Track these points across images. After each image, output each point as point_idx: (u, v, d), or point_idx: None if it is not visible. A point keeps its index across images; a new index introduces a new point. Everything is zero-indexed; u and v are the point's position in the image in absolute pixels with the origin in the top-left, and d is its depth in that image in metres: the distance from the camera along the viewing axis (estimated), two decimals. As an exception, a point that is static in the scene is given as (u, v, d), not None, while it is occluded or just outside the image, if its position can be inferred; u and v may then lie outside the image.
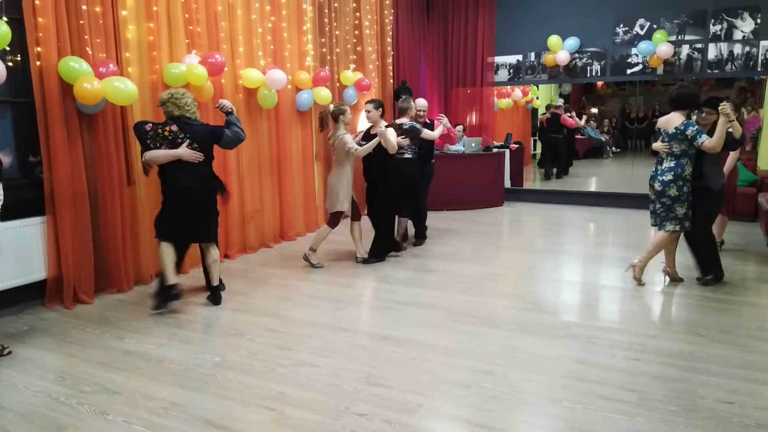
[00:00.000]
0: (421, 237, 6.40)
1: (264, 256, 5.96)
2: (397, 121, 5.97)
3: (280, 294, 4.72)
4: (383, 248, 5.69)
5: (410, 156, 5.79)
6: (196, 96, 5.18)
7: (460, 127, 8.71)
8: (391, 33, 8.31)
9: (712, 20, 7.67)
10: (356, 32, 7.65)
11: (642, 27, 8.04)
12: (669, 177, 4.48)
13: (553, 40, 8.41)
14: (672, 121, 4.45)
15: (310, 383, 3.16)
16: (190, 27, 5.22)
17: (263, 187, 6.21)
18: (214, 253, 4.43)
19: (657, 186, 4.56)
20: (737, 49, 7.60)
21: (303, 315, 4.20)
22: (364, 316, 4.27)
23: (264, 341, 3.74)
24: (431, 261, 5.70)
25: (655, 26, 7.95)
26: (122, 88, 4.43)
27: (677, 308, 4.38)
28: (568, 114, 10.04)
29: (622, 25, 8.15)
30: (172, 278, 4.27)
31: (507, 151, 9.22)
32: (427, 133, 6.00)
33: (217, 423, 2.78)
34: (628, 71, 8.25)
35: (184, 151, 4.13)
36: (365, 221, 5.75)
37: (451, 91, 9.54)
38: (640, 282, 4.77)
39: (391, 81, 8.44)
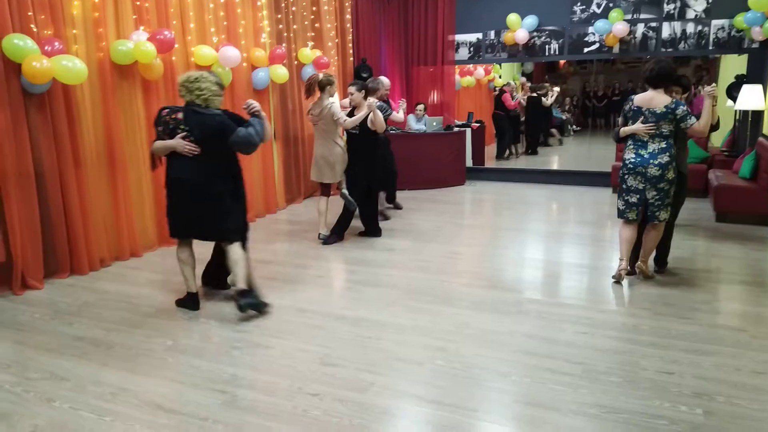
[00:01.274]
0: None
1: (221, 238, 5.88)
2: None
3: (236, 276, 4.67)
4: (369, 226, 5.79)
5: (381, 136, 5.89)
6: (146, 74, 5.06)
7: (421, 106, 8.70)
8: (350, 10, 8.19)
9: (666, -1, 7.78)
10: (314, 8, 7.51)
11: (599, 6, 8.11)
12: (666, 158, 4.06)
13: (512, 18, 8.42)
14: (656, 99, 4.07)
15: (264, 365, 3.16)
16: (138, 2, 5.04)
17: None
18: (233, 253, 3.84)
19: (654, 171, 4.07)
20: (690, 27, 7.74)
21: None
22: (321, 296, 4.27)
23: (218, 324, 3.71)
24: (390, 240, 5.72)
25: (611, 5, 8.02)
26: (71, 67, 4.28)
27: (626, 283, 4.50)
28: (518, 94, 10.10)
29: (579, 4, 8.21)
30: (192, 286, 3.97)
31: (468, 130, 9.25)
32: (394, 115, 6.29)
33: (167, 407, 2.76)
34: (585, 50, 8.33)
35: (177, 143, 3.68)
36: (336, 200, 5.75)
37: (412, 69, 9.49)
38: (622, 278, 4.36)
39: (351, 59, 8.34)
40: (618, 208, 4.37)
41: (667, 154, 4.07)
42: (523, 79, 11.47)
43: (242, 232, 4.01)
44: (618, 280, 4.34)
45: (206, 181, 3.77)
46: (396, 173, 6.82)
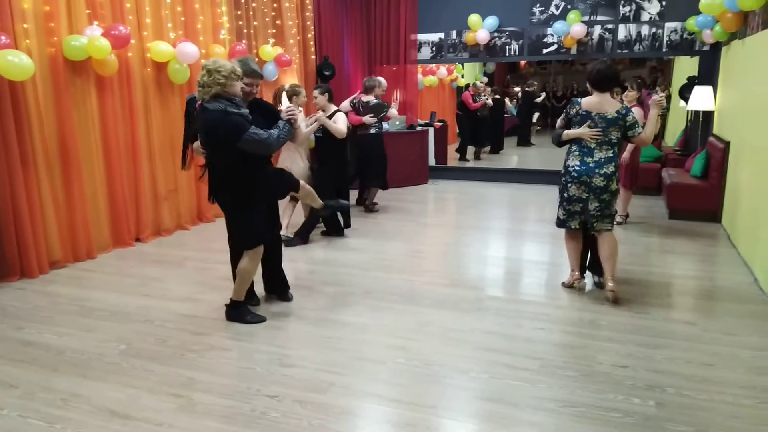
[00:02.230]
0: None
1: (180, 239, 5.76)
2: (363, 99, 6.55)
3: (195, 278, 4.59)
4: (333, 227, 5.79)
5: (374, 132, 6.51)
6: (100, 71, 4.92)
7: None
8: (311, 7, 8.13)
9: (622, 2, 7.97)
10: (275, 5, 7.42)
11: (557, 7, 8.25)
12: (611, 168, 3.86)
13: (473, 18, 8.50)
14: (606, 104, 3.85)
15: (221, 367, 3.11)
16: (92, -4, 4.90)
17: (177, 167, 5.96)
18: (240, 263, 3.60)
19: (599, 181, 3.84)
20: (645, 30, 7.95)
21: (218, 298, 4.09)
22: (291, 298, 4.21)
23: (175, 327, 3.63)
24: (353, 240, 5.70)
25: (569, 7, 8.17)
26: (17, 63, 4.12)
27: (583, 279, 4.59)
28: (484, 95, 10.20)
29: (538, 5, 8.34)
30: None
31: (431, 129, 9.30)
32: (391, 112, 6.68)
33: (122, 413, 2.69)
34: (544, 51, 8.47)
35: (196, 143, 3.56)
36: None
37: (375, 68, 9.48)
38: (618, 297, 3.97)
39: (313, 57, 8.28)
40: (558, 218, 4.14)
41: (613, 164, 3.87)
42: (485, 79, 11.62)
43: (248, 241, 3.61)
44: (570, 286, 4.22)
45: (219, 185, 3.55)
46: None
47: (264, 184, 3.57)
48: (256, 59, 7.09)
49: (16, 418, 2.66)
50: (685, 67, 8.84)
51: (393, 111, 6.79)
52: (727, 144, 5.96)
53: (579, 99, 3.98)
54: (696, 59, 7.87)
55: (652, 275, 4.55)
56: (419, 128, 8.97)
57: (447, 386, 2.92)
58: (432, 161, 9.28)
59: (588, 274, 4.40)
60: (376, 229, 6.08)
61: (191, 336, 3.50)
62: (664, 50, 7.95)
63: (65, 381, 2.98)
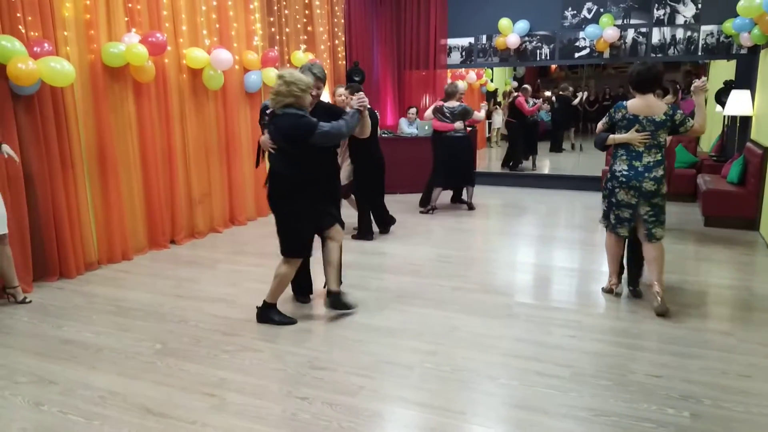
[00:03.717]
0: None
1: (213, 241, 5.87)
2: (447, 105, 6.83)
3: (228, 279, 4.67)
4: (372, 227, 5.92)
5: (461, 135, 6.88)
6: (138, 77, 5.05)
7: (413, 110, 8.72)
8: (342, 13, 8.21)
9: (656, 5, 7.85)
10: (306, 12, 7.52)
11: (589, 11, 8.17)
12: (661, 172, 3.77)
13: (504, 23, 8.47)
14: (653, 106, 3.76)
15: (253, 368, 3.16)
16: (129, 5, 5.04)
17: (211, 171, 6.10)
18: (279, 267, 3.71)
19: (650, 186, 3.75)
20: (679, 33, 7.82)
21: (250, 300, 4.15)
22: (312, 300, 4.27)
23: (208, 327, 3.70)
24: (381, 244, 5.73)
25: (602, 10, 8.09)
26: (59, 69, 4.26)
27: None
28: (532, 100, 9.75)
29: (570, 9, 8.27)
30: (333, 284, 3.85)
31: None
32: (476, 115, 7.04)
33: (156, 411, 2.75)
34: (576, 55, 8.39)
35: (262, 139, 3.70)
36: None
37: (404, 73, 9.52)
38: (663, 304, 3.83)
39: (342, 62, 8.35)
40: (609, 221, 4.06)
41: (662, 167, 3.79)
42: (515, 83, 11.54)
43: (288, 250, 3.71)
44: (609, 291, 4.19)
45: (271, 185, 3.74)
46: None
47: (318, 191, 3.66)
48: (288, 65, 7.20)
49: (57, 413, 2.75)
50: (722, 71, 8.64)
51: (478, 114, 7.13)
52: (766, 150, 5.81)
53: (624, 102, 3.90)
54: (733, 63, 7.71)
55: (686, 283, 4.46)
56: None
57: (475, 392, 2.91)
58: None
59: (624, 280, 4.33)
60: (405, 234, 6.09)
61: (224, 337, 3.56)
62: (699, 54, 7.81)
63: (103, 378, 3.06)
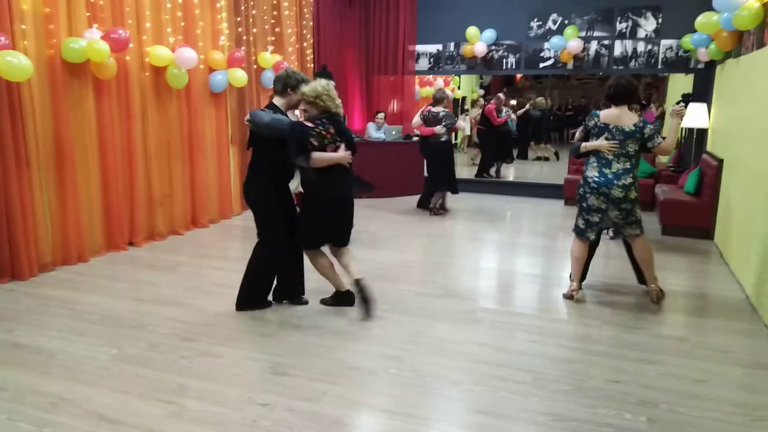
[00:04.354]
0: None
1: (173, 243, 5.74)
2: (433, 110, 6.98)
3: (188, 283, 4.57)
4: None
5: (444, 140, 7.06)
6: (98, 74, 4.92)
7: (381, 115, 8.73)
8: (310, 16, 8.16)
9: (619, 18, 8.06)
10: (274, 13, 7.45)
11: (554, 22, 8.33)
12: (629, 180, 3.97)
13: (471, 31, 8.56)
14: (624, 117, 3.96)
15: (213, 374, 3.09)
16: (92, 0, 4.90)
17: (173, 171, 5.97)
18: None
19: (617, 192, 3.96)
20: (641, 46, 8.03)
21: (211, 304, 4.08)
22: (275, 304, 4.21)
23: (166, 332, 3.61)
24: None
25: (566, 22, 8.25)
26: (15, 63, 4.11)
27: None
28: (505, 109, 9.77)
29: (536, 20, 8.41)
30: (341, 284, 4.04)
31: (427, 139, 9.31)
32: (458, 123, 7.36)
33: (111, 417, 2.66)
34: (541, 65, 8.53)
35: (342, 156, 3.70)
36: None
37: (372, 78, 9.52)
38: (661, 295, 4.23)
39: (311, 65, 8.30)
40: (578, 226, 4.23)
41: (631, 175, 3.97)
42: (481, 91, 11.68)
43: (301, 242, 3.96)
44: (570, 297, 4.28)
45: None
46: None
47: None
48: (255, 65, 7.12)
49: (5, 421, 2.63)
50: (680, 84, 8.93)
51: (461, 123, 7.38)
52: (721, 161, 6.02)
53: (598, 111, 4.10)
54: (690, 77, 7.96)
55: (642, 290, 4.56)
56: (416, 138, 8.99)
57: (439, 397, 2.91)
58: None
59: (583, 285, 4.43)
60: (369, 239, 6.08)
61: (182, 342, 3.48)
62: (659, 67, 8.03)
63: (55, 384, 2.95)
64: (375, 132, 8.60)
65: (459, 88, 11.36)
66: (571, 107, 12.29)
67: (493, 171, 9.83)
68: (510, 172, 11.18)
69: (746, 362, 3.33)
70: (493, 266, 5.35)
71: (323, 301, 4.12)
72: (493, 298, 4.48)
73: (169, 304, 4.08)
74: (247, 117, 3.71)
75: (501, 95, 9.84)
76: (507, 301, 4.42)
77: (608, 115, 4.01)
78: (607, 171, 3.99)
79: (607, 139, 3.99)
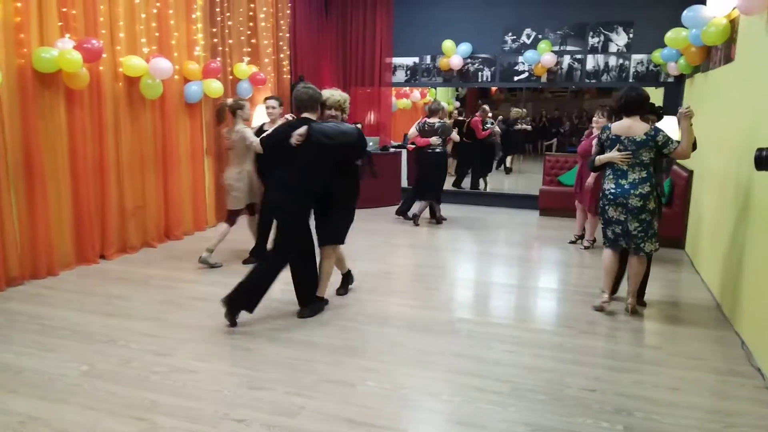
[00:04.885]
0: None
1: (146, 256, 5.63)
2: (429, 121, 7.17)
3: (161, 296, 4.48)
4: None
5: (440, 150, 7.18)
6: (71, 84, 4.84)
7: (358, 126, 8.72)
8: (287, 27, 8.16)
9: (591, 33, 8.23)
10: (251, 24, 7.43)
11: (528, 36, 8.47)
12: (647, 188, 3.94)
13: (447, 44, 8.65)
14: (634, 127, 3.97)
15: (187, 390, 3.02)
16: (64, 9, 4.83)
17: (146, 182, 5.87)
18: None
19: (635, 201, 3.94)
20: (612, 61, 8.20)
21: (185, 318, 4.01)
22: (251, 317, 4.15)
23: (139, 347, 3.53)
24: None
25: (540, 36, 8.39)
26: (-18, 72, 4.02)
27: (551, 302, 4.65)
28: (490, 120, 9.49)
29: (510, 34, 8.54)
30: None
31: (404, 151, 9.35)
32: (454, 135, 7.41)
33: (81, 436, 2.59)
34: (516, 78, 8.66)
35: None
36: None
37: (349, 89, 9.54)
38: (635, 310, 4.26)
39: (287, 76, 8.28)
40: (607, 237, 4.22)
41: (648, 183, 3.94)
42: (457, 104, 11.76)
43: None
44: (600, 310, 4.25)
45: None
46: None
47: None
48: (231, 76, 7.08)
49: (-32, 442, 2.54)
50: (650, 98, 9.10)
51: (455, 135, 7.46)
52: (691, 173, 6.15)
53: (610, 124, 4.13)
54: (660, 90, 8.14)
55: (618, 299, 4.62)
56: (392, 150, 9.03)
57: (418, 409, 2.89)
58: (404, 183, 9.33)
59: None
60: (347, 250, 6.03)
61: (155, 357, 3.40)
62: (630, 81, 8.20)
63: (23, 403, 2.86)
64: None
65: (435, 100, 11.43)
66: (545, 120, 12.46)
67: (481, 183, 9.66)
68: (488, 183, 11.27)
69: (719, 369, 3.39)
70: (470, 276, 5.37)
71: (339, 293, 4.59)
72: (470, 308, 4.49)
73: (142, 319, 4.00)
74: (301, 132, 3.84)
75: (486, 107, 9.62)
76: (484, 311, 4.43)
77: (619, 126, 4.03)
78: (623, 182, 4.01)
79: (619, 150, 4.01)
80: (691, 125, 3.90)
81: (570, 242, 6.52)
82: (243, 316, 3.95)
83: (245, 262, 5.43)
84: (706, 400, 3.02)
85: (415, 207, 7.47)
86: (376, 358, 3.45)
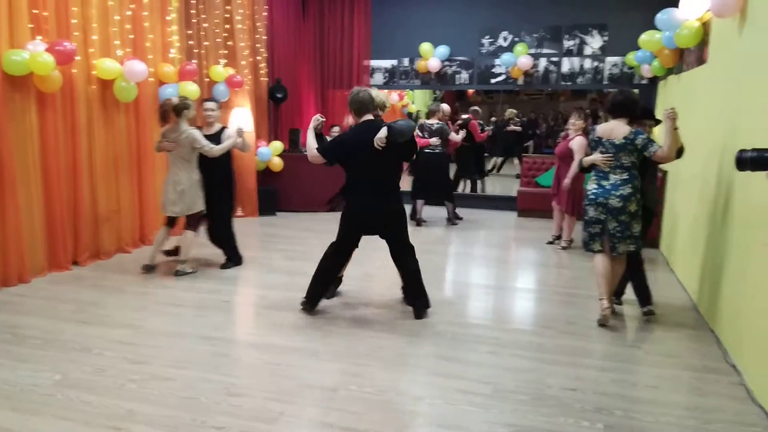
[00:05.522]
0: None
1: (120, 262, 5.52)
2: (428, 122, 7.32)
3: (136, 303, 4.39)
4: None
5: (440, 150, 7.31)
6: (42, 87, 4.73)
7: (336, 129, 8.72)
8: (264, 29, 8.09)
9: (566, 36, 8.32)
10: (227, 26, 7.36)
11: (505, 39, 8.54)
12: (628, 190, 3.93)
13: (425, 47, 8.67)
14: (616, 130, 3.95)
15: (164, 398, 2.96)
16: (35, 11, 4.72)
17: (120, 187, 5.77)
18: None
19: (615, 202, 3.93)
20: (587, 63, 8.31)
21: (160, 325, 3.94)
22: (228, 323, 4.11)
23: (113, 355, 3.45)
24: (304, 263, 5.60)
25: (516, 39, 8.47)
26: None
27: (529, 303, 4.68)
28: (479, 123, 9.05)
29: (487, 37, 8.60)
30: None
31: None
32: (452, 136, 7.37)
33: (54, 448, 2.51)
34: (493, 80, 8.72)
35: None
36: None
37: (327, 91, 9.52)
38: (609, 319, 4.06)
39: (265, 79, 8.22)
40: (583, 241, 4.21)
41: (630, 185, 3.93)
42: (445, 106, 11.76)
43: None
44: (604, 323, 4.03)
45: None
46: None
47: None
48: (207, 79, 7.00)
49: (-65, 456, 2.45)
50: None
51: (454, 135, 7.44)
52: (665, 173, 6.25)
53: (595, 126, 4.18)
54: (634, 92, 8.27)
55: (594, 299, 4.65)
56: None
57: (400, 412, 2.88)
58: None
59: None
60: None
61: (131, 365, 3.33)
62: (605, 83, 8.32)
63: (-8, 415, 2.77)
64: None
65: (413, 102, 11.46)
66: (521, 121, 12.57)
67: (478, 185, 9.52)
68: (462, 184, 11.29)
69: (695, 366, 3.43)
70: (450, 278, 5.37)
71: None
72: (451, 310, 4.47)
73: (116, 326, 3.91)
74: (384, 134, 3.85)
75: (478, 108, 9.36)
76: (464, 313, 4.43)
77: (603, 128, 4.06)
78: (604, 183, 4.02)
79: (601, 152, 4.02)
80: (677, 128, 3.84)
81: (548, 243, 6.57)
82: (214, 321, 3.88)
83: (223, 267, 5.36)
84: (683, 397, 3.06)
85: (417, 206, 7.53)
86: (357, 361, 3.42)
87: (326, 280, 4.31)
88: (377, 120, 4.10)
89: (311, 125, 4.29)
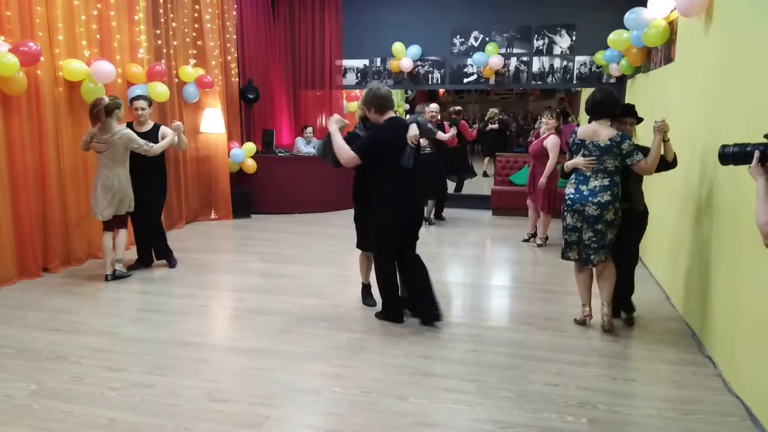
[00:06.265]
0: None
1: (92, 268, 5.37)
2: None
3: (110, 309, 4.29)
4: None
5: (430, 151, 7.09)
6: (6, 89, 4.58)
7: (309, 129, 8.67)
8: (234, 29, 7.99)
9: (536, 35, 8.43)
10: (196, 25, 7.24)
11: (476, 39, 8.60)
12: (606, 197, 3.71)
13: (397, 46, 8.67)
14: (600, 132, 3.72)
15: (145, 406, 2.90)
16: (-3, 10, 4.57)
17: (90, 192, 5.60)
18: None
19: (592, 210, 3.72)
20: (557, 63, 8.43)
21: (137, 331, 3.85)
22: (208, 327, 4.04)
23: (91, 363, 3.36)
24: (281, 265, 5.56)
25: (487, 39, 8.54)
26: None
27: (509, 300, 4.73)
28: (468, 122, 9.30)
29: (459, 36, 8.65)
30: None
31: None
32: (440, 135, 7.12)
33: (32, 462, 2.43)
34: (465, 80, 8.78)
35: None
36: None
37: (299, 92, 9.45)
38: (587, 323, 4.04)
39: (236, 79, 8.12)
40: (562, 248, 4.07)
41: (609, 192, 3.70)
42: (407, 106, 11.81)
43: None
44: (581, 324, 4.03)
45: None
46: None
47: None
48: (176, 80, 6.87)
49: None
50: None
51: (441, 134, 7.23)
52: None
53: (577, 128, 3.95)
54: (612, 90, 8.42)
55: (570, 295, 4.72)
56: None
57: (386, 413, 2.87)
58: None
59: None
60: (305, 255, 5.98)
61: (110, 373, 3.25)
62: (574, 82, 8.46)
63: (-37, 429, 2.67)
64: (304, 147, 8.53)
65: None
66: (499, 120, 12.72)
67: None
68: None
69: (673, 359, 3.51)
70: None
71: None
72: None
73: (92, 333, 3.81)
74: (417, 130, 3.85)
75: (460, 108, 9.36)
76: (444, 311, 4.43)
77: (585, 130, 3.81)
78: (583, 188, 3.79)
79: (584, 155, 3.80)
80: (668, 141, 3.71)
81: (523, 240, 6.65)
82: (193, 327, 3.82)
83: (130, 267, 5.23)
84: (663, 390, 3.12)
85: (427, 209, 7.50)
86: (340, 363, 3.41)
87: (395, 293, 4.13)
88: (399, 116, 4.00)
89: (335, 126, 3.94)
